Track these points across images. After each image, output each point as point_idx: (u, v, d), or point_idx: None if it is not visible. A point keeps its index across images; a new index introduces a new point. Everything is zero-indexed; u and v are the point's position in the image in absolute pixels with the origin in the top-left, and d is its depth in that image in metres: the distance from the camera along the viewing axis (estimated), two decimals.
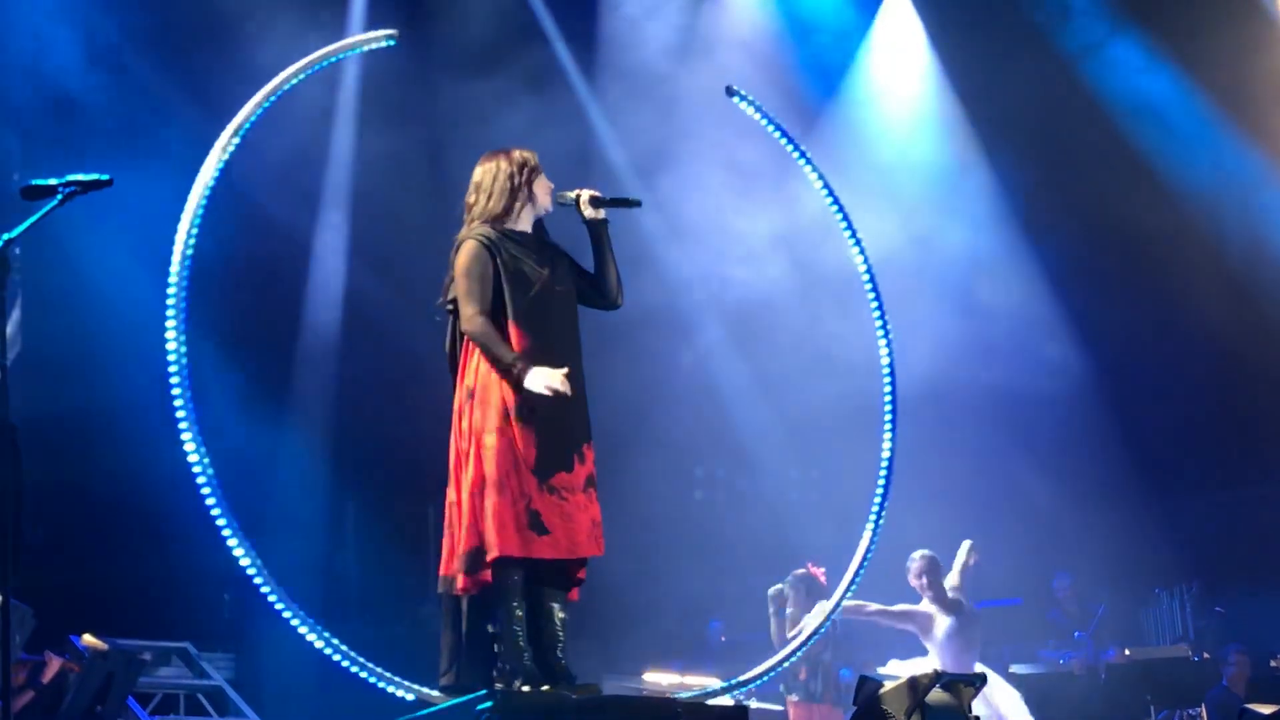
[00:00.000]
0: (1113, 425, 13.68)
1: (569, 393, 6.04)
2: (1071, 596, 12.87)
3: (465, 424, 6.22)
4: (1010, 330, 13.32)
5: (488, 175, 6.44)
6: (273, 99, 7.54)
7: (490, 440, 6.12)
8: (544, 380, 6.00)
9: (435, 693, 6.44)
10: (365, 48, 8.08)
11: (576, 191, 6.48)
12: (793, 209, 11.92)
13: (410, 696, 6.75)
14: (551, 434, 6.14)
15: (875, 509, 8.07)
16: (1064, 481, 13.55)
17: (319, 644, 7.03)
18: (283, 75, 7.57)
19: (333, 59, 7.85)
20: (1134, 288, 13.63)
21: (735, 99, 8.50)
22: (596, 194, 6.48)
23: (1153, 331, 13.54)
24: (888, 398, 8.17)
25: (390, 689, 6.85)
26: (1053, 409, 13.51)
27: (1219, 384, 13.49)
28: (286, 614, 7.05)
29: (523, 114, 11.96)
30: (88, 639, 9.02)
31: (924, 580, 10.22)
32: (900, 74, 14.10)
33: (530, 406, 6.08)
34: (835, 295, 12.48)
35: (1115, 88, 13.59)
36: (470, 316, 6.20)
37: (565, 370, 6.05)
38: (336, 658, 7.01)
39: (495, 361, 6.13)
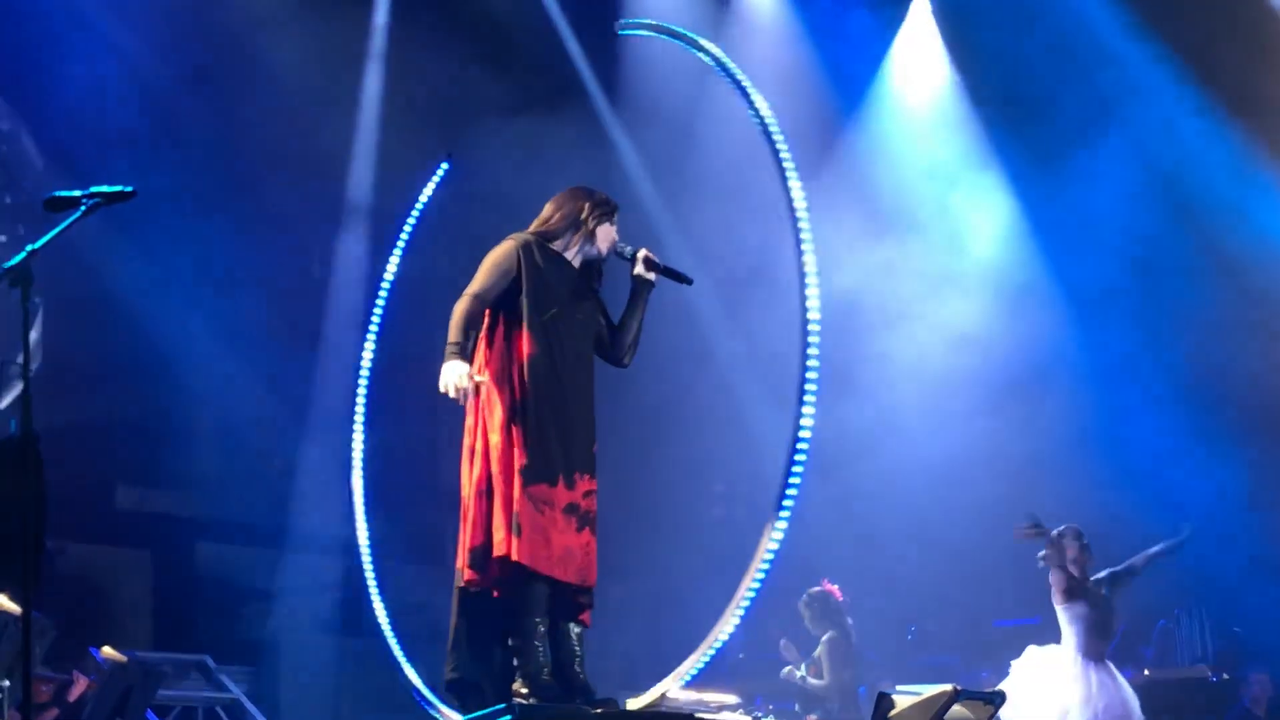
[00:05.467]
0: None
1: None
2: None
3: (473, 420, 6.29)
4: (1031, 362, 13.26)
5: (564, 198, 6.51)
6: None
7: (495, 439, 6.18)
8: (449, 374, 6.08)
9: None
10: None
11: (636, 249, 6.54)
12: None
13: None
14: (545, 445, 6.15)
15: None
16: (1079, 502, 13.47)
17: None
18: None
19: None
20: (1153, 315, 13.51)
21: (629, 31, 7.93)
22: (654, 257, 6.55)
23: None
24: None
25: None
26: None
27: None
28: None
29: (546, 137, 12.00)
30: (107, 651, 9.05)
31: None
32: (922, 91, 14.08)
33: (534, 411, 6.14)
34: (855, 320, 12.49)
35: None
36: (464, 294, 6.25)
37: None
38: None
39: (448, 336, 6.17)
